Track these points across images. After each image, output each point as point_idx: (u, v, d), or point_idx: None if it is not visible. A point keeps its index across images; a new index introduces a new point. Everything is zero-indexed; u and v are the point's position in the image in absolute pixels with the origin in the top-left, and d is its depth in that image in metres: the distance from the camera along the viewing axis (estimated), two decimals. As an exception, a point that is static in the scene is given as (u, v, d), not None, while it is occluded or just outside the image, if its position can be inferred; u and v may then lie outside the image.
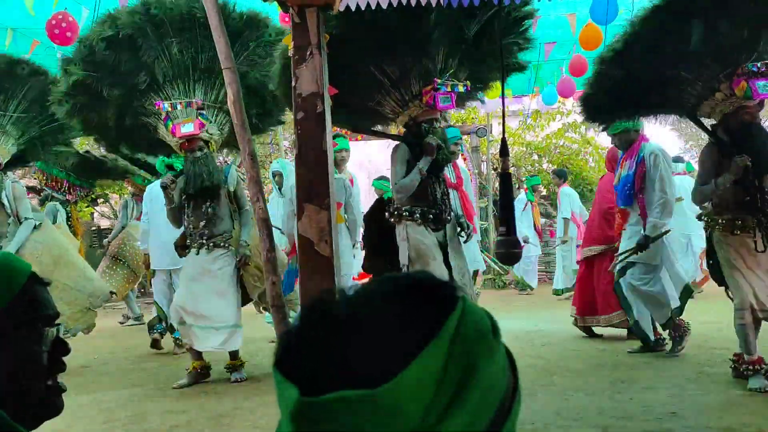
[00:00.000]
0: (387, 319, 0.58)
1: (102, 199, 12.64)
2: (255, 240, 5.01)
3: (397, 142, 4.52)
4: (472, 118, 12.47)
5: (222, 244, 4.88)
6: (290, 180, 6.13)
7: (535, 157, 13.61)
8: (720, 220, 4.23)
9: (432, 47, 4.20)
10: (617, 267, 5.17)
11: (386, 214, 4.41)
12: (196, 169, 4.77)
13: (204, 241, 4.84)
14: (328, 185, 3.14)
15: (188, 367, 4.90)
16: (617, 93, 4.47)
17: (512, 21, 4.36)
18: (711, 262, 4.39)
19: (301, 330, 0.61)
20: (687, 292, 5.02)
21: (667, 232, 4.96)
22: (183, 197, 4.87)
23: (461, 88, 4.26)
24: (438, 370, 0.54)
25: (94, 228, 12.41)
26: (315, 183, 3.13)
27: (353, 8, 3.34)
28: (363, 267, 4.78)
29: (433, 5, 3.16)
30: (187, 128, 4.70)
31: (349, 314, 0.59)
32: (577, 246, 8.10)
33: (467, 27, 4.22)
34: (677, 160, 9.87)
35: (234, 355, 4.96)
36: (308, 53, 3.05)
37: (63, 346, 1.16)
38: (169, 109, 4.72)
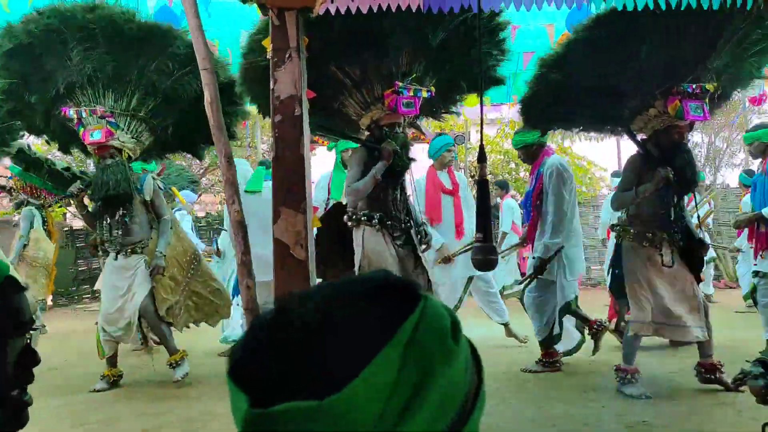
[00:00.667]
0: (341, 325, 0.56)
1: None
2: (174, 250, 5.03)
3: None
4: (451, 125, 12.53)
5: (138, 251, 4.89)
6: (244, 177, 5.97)
7: (513, 165, 13.71)
8: (632, 231, 4.32)
9: (391, 49, 4.16)
10: (522, 286, 5.29)
11: (345, 217, 4.32)
12: (103, 177, 4.75)
13: (119, 248, 4.87)
14: (305, 189, 3.12)
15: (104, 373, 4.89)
16: (555, 97, 4.50)
17: (486, 31, 4.36)
18: (617, 272, 4.45)
19: (253, 337, 0.59)
20: (566, 309, 5.01)
21: (560, 249, 4.90)
22: (94, 204, 4.90)
23: (425, 94, 4.20)
24: (392, 375, 0.53)
25: (66, 228, 12.24)
26: (292, 186, 3.11)
27: (333, 12, 3.34)
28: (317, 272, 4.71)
29: (413, 10, 3.17)
30: (95, 136, 4.67)
31: (302, 321, 0.57)
32: (524, 258, 8.16)
33: (432, 34, 4.19)
34: (617, 174, 10.02)
35: (171, 349, 4.91)
36: (287, 56, 3.04)
37: (32, 356, 1.08)
38: (74, 116, 4.70)
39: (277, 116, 3.09)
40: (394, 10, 3.27)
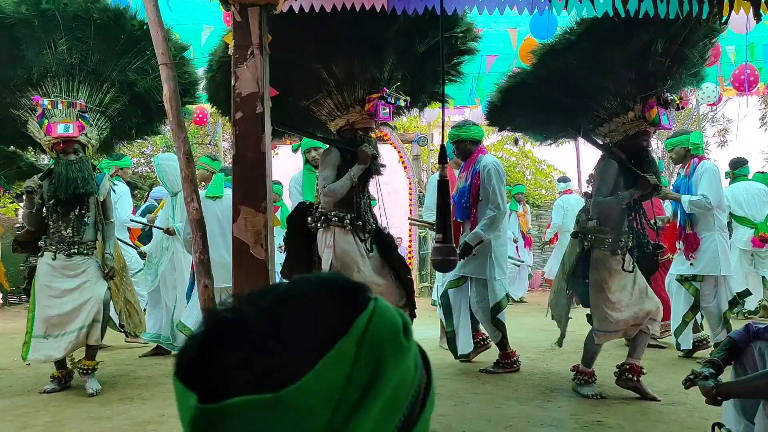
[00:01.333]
0: (293, 321, 0.56)
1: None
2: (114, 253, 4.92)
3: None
4: (414, 127, 12.58)
5: (85, 252, 4.67)
6: (171, 176, 5.85)
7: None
8: (608, 239, 4.28)
9: (385, 56, 4.15)
10: (449, 278, 5.30)
11: (309, 219, 4.23)
12: (69, 173, 4.53)
13: (64, 247, 4.61)
14: (265, 187, 3.08)
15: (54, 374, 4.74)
16: (524, 100, 4.55)
17: (456, 51, 4.38)
18: (586, 280, 4.35)
19: (203, 336, 0.58)
20: (497, 309, 5.10)
21: (480, 242, 4.97)
22: (51, 201, 4.59)
23: (402, 103, 4.22)
24: (345, 370, 0.54)
25: (18, 225, 11.87)
26: (253, 185, 3.07)
27: (296, 10, 3.32)
28: (282, 273, 4.62)
29: (378, 10, 3.17)
30: (66, 129, 4.47)
31: (253, 317, 0.57)
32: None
33: (417, 44, 4.21)
34: (563, 180, 10.25)
35: (90, 353, 4.69)
36: (249, 53, 3.00)
37: None
38: (49, 106, 4.48)
39: (238, 113, 3.05)
40: (358, 9, 3.26)
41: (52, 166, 4.63)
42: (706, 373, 2.58)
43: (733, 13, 3.23)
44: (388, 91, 4.12)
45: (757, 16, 3.31)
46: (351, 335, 0.55)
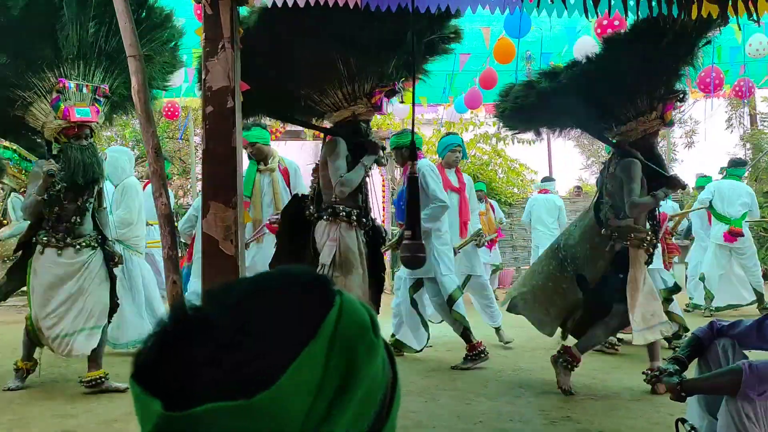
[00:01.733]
0: (260, 318, 0.54)
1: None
2: None
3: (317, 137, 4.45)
4: (387, 124, 12.57)
5: (91, 243, 4.52)
6: (115, 168, 5.71)
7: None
8: (646, 237, 4.31)
9: (402, 51, 4.14)
10: (409, 284, 5.49)
11: (310, 209, 4.20)
12: (85, 158, 4.37)
13: (71, 240, 4.44)
14: (236, 182, 3.05)
15: (16, 365, 4.64)
16: (542, 103, 4.54)
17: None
18: (621, 276, 4.28)
19: (163, 335, 0.55)
20: (450, 302, 5.24)
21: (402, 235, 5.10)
22: (63, 187, 4.40)
23: (398, 100, 4.30)
24: (318, 372, 0.52)
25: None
26: (223, 180, 3.03)
27: (269, 5, 3.29)
28: (270, 267, 4.59)
29: (351, 6, 3.15)
30: (85, 113, 4.33)
31: (218, 315, 0.55)
32: None
33: (420, 39, 4.23)
34: (546, 180, 10.38)
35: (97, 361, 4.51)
36: (220, 46, 2.96)
37: None
38: (74, 89, 4.34)
39: (209, 108, 3.01)
40: (331, 5, 3.24)
41: (56, 152, 4.48)
42: (671, 369, 2.62)
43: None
44: (399, 86, 4.20)
45: (725, 19, 3.37)
46: (321, 336, 0.53)
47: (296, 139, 12.01)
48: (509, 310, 4.73)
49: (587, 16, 3.14)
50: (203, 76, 3.00)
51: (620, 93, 4.38)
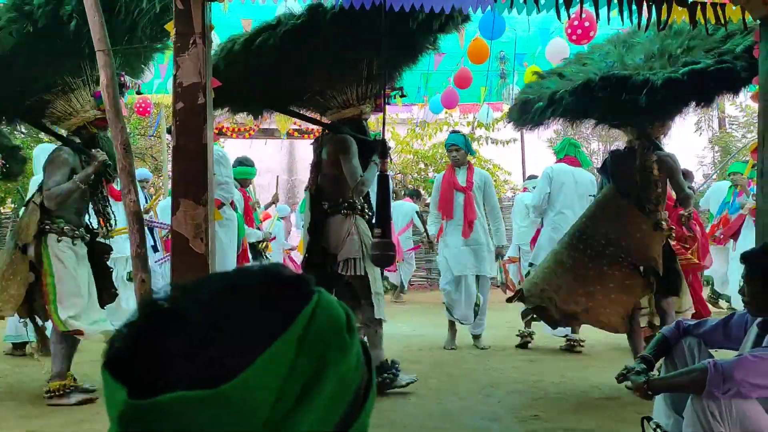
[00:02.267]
0: (234, 313, 0.55)
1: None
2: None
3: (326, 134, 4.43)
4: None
5: (85, 236, 4.42)
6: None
7: (422, 165, 13.90)
8: (674, 229, 4.54)
9: (415, 52, 4.25)
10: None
11: (325, 205, 4.25)
12: (112, 150, 4.15)
13: (81, 231, 4.36)
14: (207, 180, 3.02)
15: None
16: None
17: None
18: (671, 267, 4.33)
19: (137, 326, 0.55)
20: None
21: None
22: (94, 178, 4.36)
23: (398, 100, 4.44)
24: (285, 366, 0.52)
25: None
26: (193, 177, 3.00)
27: (243, 1, 3.28)
28: (303, 264, 4.56)
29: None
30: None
31: (192, 308, 0.55)
32: None
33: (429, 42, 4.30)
34: (531, 178, 10.45)
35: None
36: (191, 42, 2.92)
37: None
38: (130, 83, 4.33)
39: (179, 104, 2.97)
40: (304, 3, 3.24)
41: (78, 143, 4.39)
42: (638, 368, 2.66)
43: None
44: (403, 89, 4.36)
45: (693, 23, 3.42)
46: (293, 330, 0.54)
47: (270, 137, 11.95)
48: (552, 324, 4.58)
49: (558, 17, 3.16)
50: (174, 72, 2.97)
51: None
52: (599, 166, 5.26)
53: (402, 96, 4.44)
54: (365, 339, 4.22)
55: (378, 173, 3.40)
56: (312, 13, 3.74)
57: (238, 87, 4.05)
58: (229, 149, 11.87)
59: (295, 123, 10.62)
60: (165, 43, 4.52)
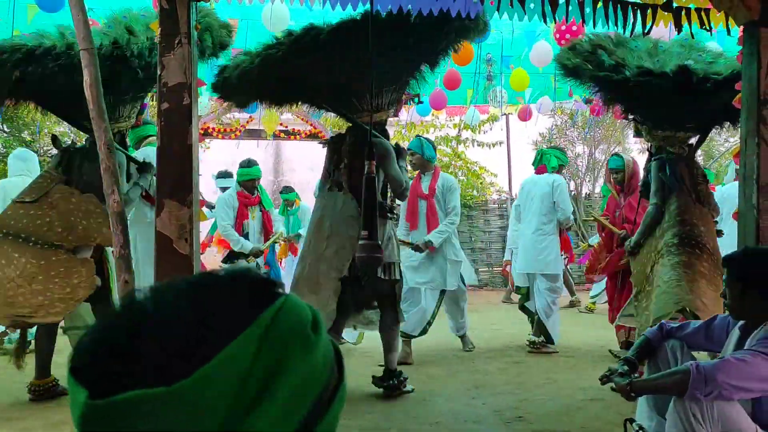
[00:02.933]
0: (196, 314, 0.55)
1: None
2: None
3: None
4: (348, 125, 12.54)
5: None
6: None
7: (408, 167, 13.92)
8: None
9: (438, 59, 4.30)
10: None
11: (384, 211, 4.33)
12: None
13: None
14: (192, 180, 3.01)
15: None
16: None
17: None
18: None
19: (98, 331, 0.56)
20: None
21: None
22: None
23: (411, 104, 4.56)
24: (246, 363, 0.53)
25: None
26: (178, 178, 2.98)
27: (229, 1, 3.26)
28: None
29: (312, 5, 3.14)
30: None
31: (151, 311, 0.56)
32: None
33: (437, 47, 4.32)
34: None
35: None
36: (176, 42, 2.91)
37: None
38: None
39: (164, 104, 2.95)
40: (291, 5, 3.23)
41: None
42: (621, 370, 2.67)
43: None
44: (414, 93, 4.45)
45: (678, 28, 3.46)
46: (253, 330, 0.54)
47: (257, 138, 11.90)
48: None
49: (545, 21, 3.18)
50: (159, 72, 2.95)
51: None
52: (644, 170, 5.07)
53: (419, 102, 4.54)
54: (385, 341, 4.36)
55: (365, 175, 3.40)
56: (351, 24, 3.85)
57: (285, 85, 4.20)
58: (215, 150, 11.84)
59: (281, 124, 10.61)
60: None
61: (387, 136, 4.43)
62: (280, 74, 4.06)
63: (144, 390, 0.50)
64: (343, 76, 4.12)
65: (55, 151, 4.69)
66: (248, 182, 6.11)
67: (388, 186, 4.29)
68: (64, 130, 9.27)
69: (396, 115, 4.52)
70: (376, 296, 4.31)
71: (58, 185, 4.13)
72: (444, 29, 3.89)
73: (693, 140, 4.73)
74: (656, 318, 4.02)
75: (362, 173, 3.99)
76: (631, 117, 4.82)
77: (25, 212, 4.03)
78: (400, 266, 4.34)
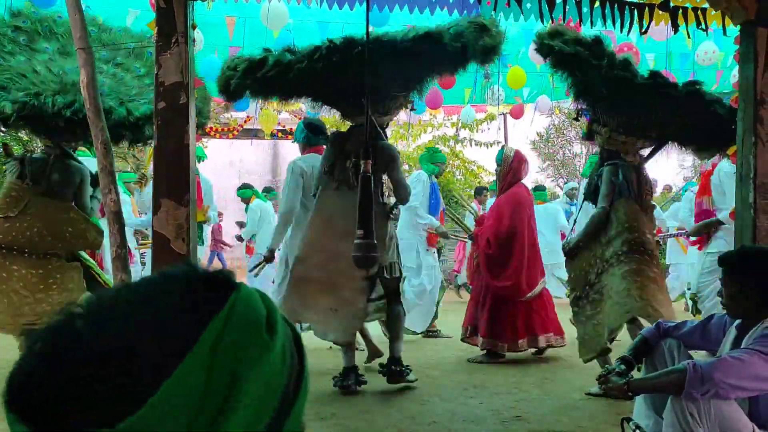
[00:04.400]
0: (138, 334, 0.50)
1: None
2: None
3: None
4: (345, 125, 12.53)
5: None
6: None
7: (406, 166, 13.92)
8: None
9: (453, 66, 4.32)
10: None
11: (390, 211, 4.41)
12: None
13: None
14: (188, 180, 3.00)
15: None
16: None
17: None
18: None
19: (35, 353, 0.50)
20: None
21: None
22: None
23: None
24: (199, 383, 0.49)
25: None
26: (175, 177, 2.98)
27: (226, 0, 3.26)
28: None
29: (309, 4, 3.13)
30: None
31: (89, 330, 0.50)
32: None
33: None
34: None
35: None
36: (173, 41, 2.91)
37: None
38: None
39: (161, 103, 2.95)
40: (289, 3, 3.23)
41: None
42: (618, 369, 2.67)
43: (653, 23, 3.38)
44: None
45: (675, 27, 3.47)
46: (201, 346, 0.50)
47: (254, 138, 11.90)
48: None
49: (542, 21, 3.18)
50: (155, 71, 2.94)
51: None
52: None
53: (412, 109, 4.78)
54: (391, 331, 4.50)
55: (361, 174, 3.41)
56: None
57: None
58: (211, 149, 11.83)
59: (280, 123, 10.60)
60: (149, 43, 4.52)
61: (385, 137, 4.51)
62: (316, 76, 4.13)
63: (87, 430, 0.46)
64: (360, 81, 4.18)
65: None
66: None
67: (393, 189, 4.39)
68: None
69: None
70: (378, 291, 4.39)
71: (34, 197, 4.21)
72: (465, 55, 3.90)
73: (646, 151, 4.70)
74: (610, 330, 4.17)
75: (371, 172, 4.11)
76: (588, 117, 4.74)
77: (11, 225, 4.14)
78: (400, 264, 4.45)
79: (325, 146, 4.74)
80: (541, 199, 9.06)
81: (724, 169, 5.04)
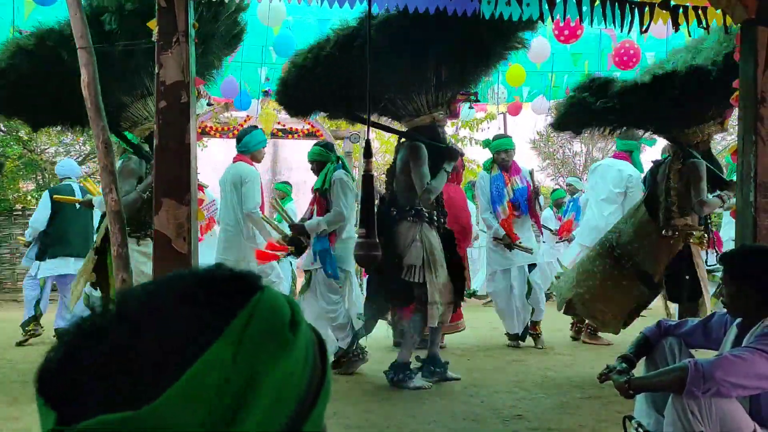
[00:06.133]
0: (162, 327, 0.52)
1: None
2: None
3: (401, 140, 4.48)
4: (347, 124, 12.52)
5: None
6: None
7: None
8: (704, 235, 4.56)
9: (490, 60, 4.32)
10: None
11: (394, 211, 4.31)
12: None
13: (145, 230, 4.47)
14: (189, 179, 3.00)
15: None
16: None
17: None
18: (687, 277, 4.48)
19: (65, 347, 0.53)
20: None
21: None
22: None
23: (469, 105, 4.58)
24: (219, 376, 0.50)
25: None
26: (176, 177, 2.98)
27: (226, -1, 3.26)
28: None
29: (309, 3, 3.13)
30: None
31: (115, 322, 0.52)
32: None
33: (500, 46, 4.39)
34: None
35: None
36: (174, 40, 2.90)
37: None
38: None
39: (162, 103, 2.95)
40: (289, 2, 3.23)
41: (146, 150, 4.46)
42: (619, 367, 2.68)
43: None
44: (478, 95, 4.50)
45: (675, 26, 3.47)
46: (224, 340, 0.51)
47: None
48: (566, 312, 4.86)
49: (542, 20, 3.18)
50: (156, 70, 2.94)
51: (710, 101, 4.42)
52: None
53: (476, 100, 4.67)
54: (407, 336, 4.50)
55: (363, 174, 3.40)
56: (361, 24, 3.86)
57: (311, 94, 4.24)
58: (211, 149, 11.83)
59: (279, 123, 10.60)
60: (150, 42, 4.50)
61: (438, 139, 4.39)
62: (340, 75, 4.11)
63: (107, 415, 0.47)
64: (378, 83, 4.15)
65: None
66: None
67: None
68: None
69: (453, 116, 4.63)
70: (410, 298, 4.40)
71: None
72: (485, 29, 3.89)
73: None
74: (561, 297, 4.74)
75: (392, 178, 4.30)
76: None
77: None
78: (423, 270, 4.27)
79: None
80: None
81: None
